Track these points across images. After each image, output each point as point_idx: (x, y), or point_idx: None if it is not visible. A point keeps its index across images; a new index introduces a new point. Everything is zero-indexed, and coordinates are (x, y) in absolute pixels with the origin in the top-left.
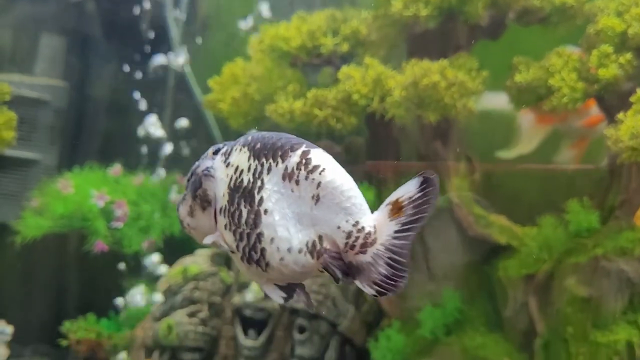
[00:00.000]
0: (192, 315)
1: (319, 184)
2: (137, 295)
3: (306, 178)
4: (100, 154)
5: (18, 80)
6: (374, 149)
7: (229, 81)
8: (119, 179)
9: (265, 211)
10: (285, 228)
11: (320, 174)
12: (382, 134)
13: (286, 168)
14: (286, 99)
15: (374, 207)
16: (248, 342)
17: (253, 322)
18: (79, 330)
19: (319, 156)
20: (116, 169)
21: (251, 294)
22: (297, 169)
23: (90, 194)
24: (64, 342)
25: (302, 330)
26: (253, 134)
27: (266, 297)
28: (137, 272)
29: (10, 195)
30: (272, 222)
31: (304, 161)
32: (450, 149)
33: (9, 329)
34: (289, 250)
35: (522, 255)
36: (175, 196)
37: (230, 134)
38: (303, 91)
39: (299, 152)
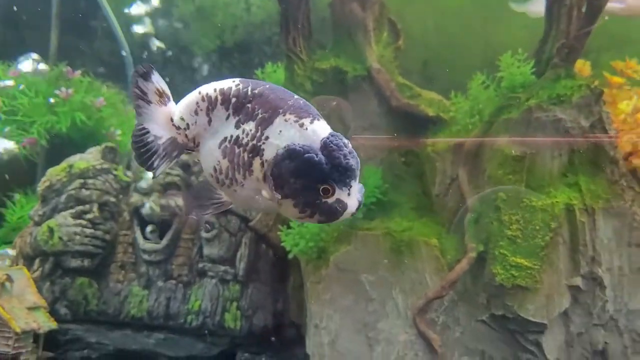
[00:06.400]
0: (78, 216)
1: None
2: None
3: None
4: None
5: None
6: (286, 21)
7: None
8: None
9: None
10: None
11: None
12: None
13: None
14: None
15: None
16: (148, 245)
17: (155, 224)
18: None
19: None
20: None
21: (144, 183)
22: None
23: None
24: None
25: (209, 228)
26: None
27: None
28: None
29: None
30: None
31: None
32: (369, 12)
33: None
34: None
35: (451, 125)
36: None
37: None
38: None
39: None
